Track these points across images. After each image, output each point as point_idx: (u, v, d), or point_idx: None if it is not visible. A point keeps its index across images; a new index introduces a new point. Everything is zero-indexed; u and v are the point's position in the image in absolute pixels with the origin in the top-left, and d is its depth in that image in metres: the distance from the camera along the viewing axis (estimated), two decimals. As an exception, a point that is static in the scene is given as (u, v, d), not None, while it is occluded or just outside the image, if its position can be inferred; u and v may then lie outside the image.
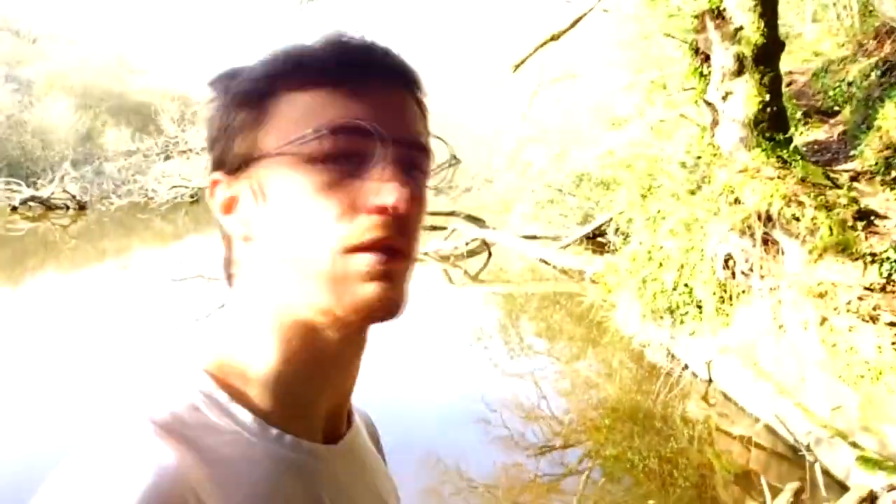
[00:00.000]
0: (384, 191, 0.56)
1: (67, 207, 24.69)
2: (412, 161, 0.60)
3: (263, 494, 0.56)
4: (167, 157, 19.35)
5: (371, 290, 0.56)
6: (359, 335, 0.63)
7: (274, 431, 0.60)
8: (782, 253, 5.39)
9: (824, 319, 4.76)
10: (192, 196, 17.57)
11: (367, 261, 0.56)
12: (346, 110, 0.57)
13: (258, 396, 0.60)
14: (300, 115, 0.58)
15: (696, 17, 5.83)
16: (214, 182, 0.63)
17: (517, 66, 7.49)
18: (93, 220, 22.69)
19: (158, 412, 0.56)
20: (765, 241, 5.39)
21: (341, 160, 0.57)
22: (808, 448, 4.75)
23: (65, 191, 24.88)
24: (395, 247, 0.57)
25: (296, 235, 0.57)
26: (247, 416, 0.59)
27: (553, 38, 7.03)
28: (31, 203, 24.48)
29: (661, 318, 6.96)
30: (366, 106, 0.58)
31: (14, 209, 23.78)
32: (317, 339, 0.60)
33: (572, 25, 6.95)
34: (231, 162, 0.61)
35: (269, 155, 0.58)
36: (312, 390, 0.63)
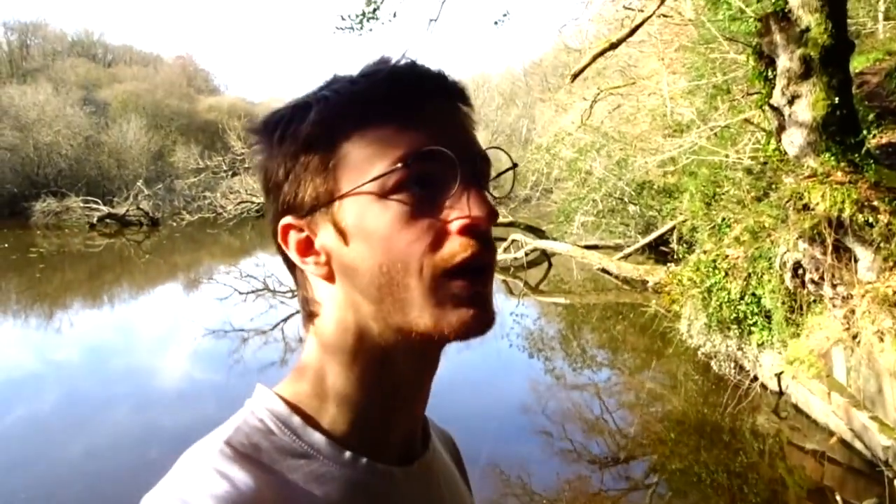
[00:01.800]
0: (472, 209, 0.58)
1: (141, 224, 25.72)
2: (482, 174, 0.62)
3: None
4: (234, 174, 19.96)
5: (469, 313, 0.59)
6: (436, 357, 0.65)
7: (348, 455, 0.61)
8: (855, 260, 5.18)
9: (902, 329, 4.56)
10: (257, 211, 18.04)
11: (464, 285, 0.58)
12: (417, 139, 0.59)
13: (332, 421, 0.62)
14: (373, 151, 0.59)
15: (760, 19, 5.68)
16: (287, 227, 0.63)
17: (576, 75, 7.46)
18: (165, 235, 23.55)
19: (234, 437, 0.58)
20: (836, 249, 5.20)
21: (418, 188, 0.58)
22: (885, 463, 4.55)
23: (139, 208, 25.91)
24: (483, 263, 0.59)
25: (388, 269, 0.58)
26: (320, 440, 0.61)
27: (612, 46, 6.96)
28: (108, 220, 25.62)
29: (728, 328, 6.78)
30: (433, 130, 0.59)
31: (92, 226, 24.89)
32: (396, 366, 0.62)
33: (631, 32, 6.87)
34: (302, 205, 0.62)
35: (349, 194, 0.59)
36: (388, 414, 0.64)
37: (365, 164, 0.59)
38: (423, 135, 0.59)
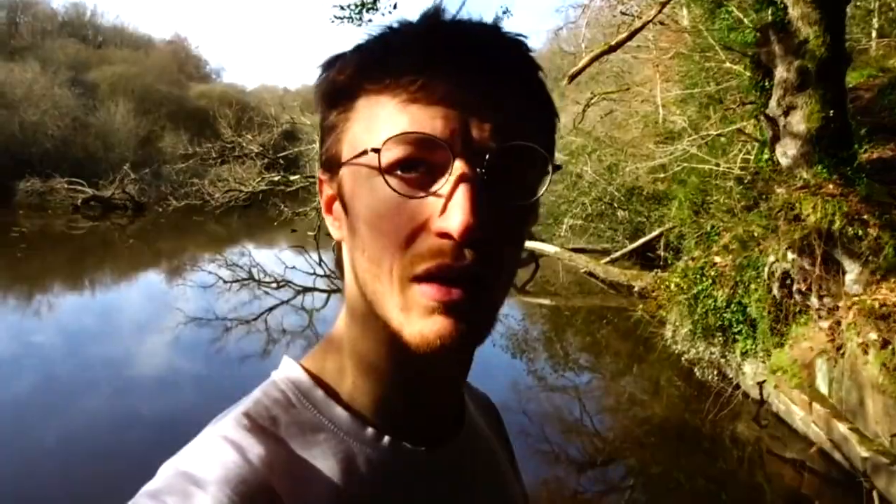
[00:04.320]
0: (449, 214, 0.49)
1: (126, 208, 25.45)
2: (501, 171, 0.51)
3: (352, 496, 0.54)
4: (223, 162, 19.76)
5: (431, 325, 0.50)
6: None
7: (370, 432, 0.58)
8: (843, 273, 5.22)
9: (886, 342, 4.59)
10: (245, 200, 17.83)
11: (428, 294, 0.50)
12: (414, 118, 0.50)
13: (355, 394, 0.59)
14: (371, 122, 0.53)
15: (759, 30, 5.71)
16: (320, 181, 0.61)
17: (573, 76, 7.45)
18: (150, 220, 23.31)
19: (253, 408, 0.56)
20: (824, 260, 5.23)
21: (415, 170, 0.51)
22: (864, 475, 4.57)
23: (124, 192, 25.64)
24: (462, 275, 0.50)
25: (368, 256, 0.53)
26: (342, 415, 0.57)
27: (610, 49, 6.96)
28: (93, 203, 25.33)
29: (712, 336, 6.81)
30: (442, 110, 0.50)
31: (76, 209, 24.60)
32: (403, 353, 0.54)
33: (629, 37, 6.88)
34: (326, 163, 0.59)
35: (345, 163, 0.55)
36: (413, 390, 0.59)
37: (362, 135, 0.53)
38: (423, 113, 0.50)
